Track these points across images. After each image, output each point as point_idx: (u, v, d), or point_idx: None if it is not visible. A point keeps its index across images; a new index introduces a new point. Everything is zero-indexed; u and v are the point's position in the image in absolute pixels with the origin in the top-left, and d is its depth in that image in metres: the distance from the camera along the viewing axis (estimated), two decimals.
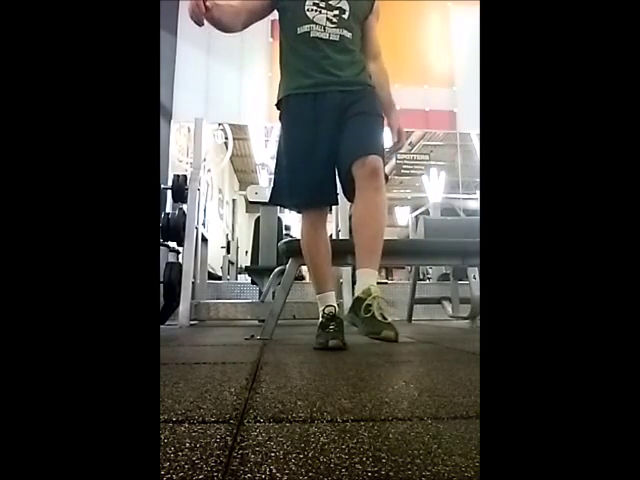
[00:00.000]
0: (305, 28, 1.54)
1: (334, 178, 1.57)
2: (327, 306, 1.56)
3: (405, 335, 2.06)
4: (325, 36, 1.54)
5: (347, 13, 1.56)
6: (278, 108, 1.64)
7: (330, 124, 1.52)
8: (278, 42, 1.67)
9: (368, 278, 1.41)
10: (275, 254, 3.47)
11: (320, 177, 1.54)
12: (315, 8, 1.54)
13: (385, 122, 1.63)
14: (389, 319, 1.35)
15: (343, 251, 1.73)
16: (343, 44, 1.56)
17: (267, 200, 3.81)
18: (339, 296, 3.06)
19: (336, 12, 1.55)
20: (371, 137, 1.51)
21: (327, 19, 1.54)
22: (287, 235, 4.48)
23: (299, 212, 1.68)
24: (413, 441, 0.50)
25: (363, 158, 1.44)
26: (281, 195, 1.62)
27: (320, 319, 1.56)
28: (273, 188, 1.64)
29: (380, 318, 1.33)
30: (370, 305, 1.34)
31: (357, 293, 1.41)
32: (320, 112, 1.52)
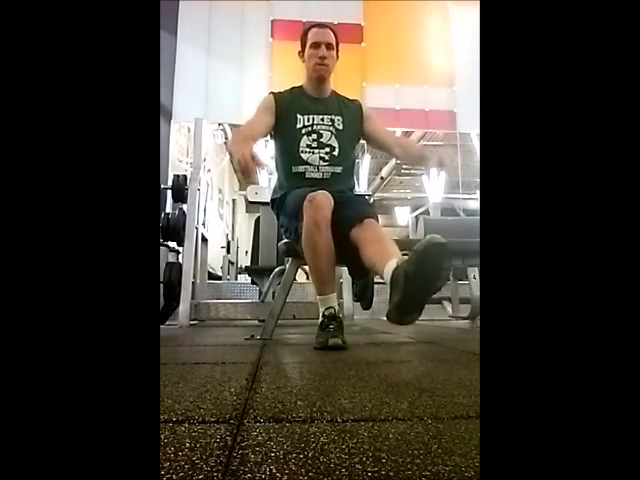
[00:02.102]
0: (300, 169, 1.74)
1: None
2: (328, 308, 1.56)
3: (405, 335, 2.06)
4: (319, 176, 1.74)
5: (337, 151, 1.76)
6: (272, 206, 1.86)
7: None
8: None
9: (396, 260, 1.29)
10: (275, 254, 3.47)
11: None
12: (308, 150, 1.75)
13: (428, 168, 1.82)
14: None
15: (341, 250, 1.72)
16: (334, 179, 1.75)
17: (267, 200, 3.82)
18: (339, 296, 3.05)
19: (327, 150, 1.76)
20: (364, 209, 1.61)
21: (320, 158, 1.75)
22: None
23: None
24: (413, 441, 0.50)
25: (360, 222, 1.52)
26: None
27: (320, 319, 1.56)
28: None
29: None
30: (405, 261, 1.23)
31: (391, 269, 1.26)
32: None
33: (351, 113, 1.83)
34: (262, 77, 4.17)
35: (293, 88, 1.86)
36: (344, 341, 1.46)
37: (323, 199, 1.53)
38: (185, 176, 3.41)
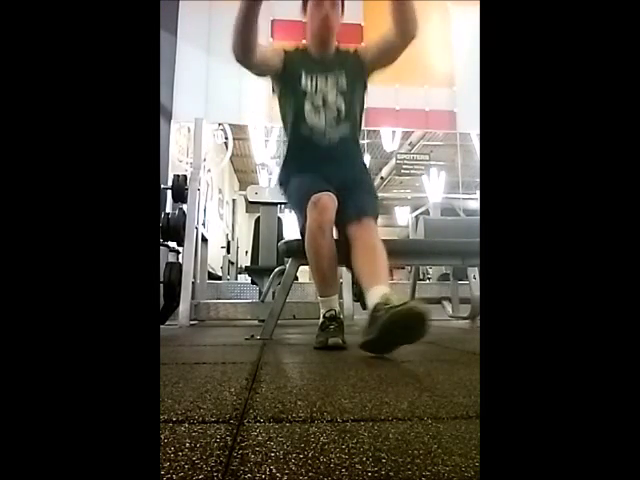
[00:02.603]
0: (306, 132, 1.67)
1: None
2: (329, 310, 1.56)
3: None
4: (325, 142, 1.66)
5: (343, 112, 1.68)
6: (281, 185, 1.80)
7: (331, 183, 1.63)
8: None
9: (381, 290, 1.32)
10: (275, 254, 3.47)
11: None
12: (314, 111, 1.66)
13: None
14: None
15: (343, 251, 1.72)
16: (342, 143, 1.68)
17: (267, 200, 3.83)
18: (339, 296, 3.05)
19: (334, 113, 1.67)
20: (364, 203, 1.60)
21: (326, 121, 1.67)
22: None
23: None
24: (413, 441, 0.50)
25: (357, 220, 1.53)
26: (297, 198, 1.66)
27: (321, 320, 1.56)
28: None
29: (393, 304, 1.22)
30: (387, 301, 1.23)
31: (374, 302, 1.28)
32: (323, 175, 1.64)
33: (352, 66, 1.71)
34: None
35: (297, 47, 1.75)
36: (344, 341, 1.47)
37: (327, 201, 1.52)
38: (185, 176, 3.41)
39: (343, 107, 1.68)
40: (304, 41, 1.79)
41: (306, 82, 1.67)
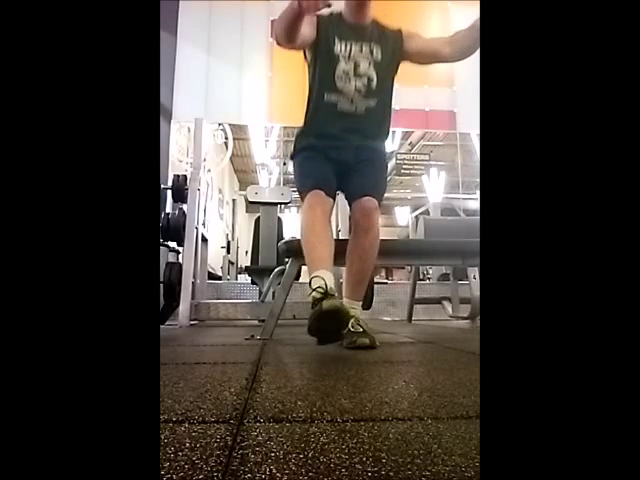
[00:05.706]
0: (332, 98, 1.62)
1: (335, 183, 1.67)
2: (314, 277, 1.37)
3: (405, 335, 2.06)
4: (352, 109, 1.63)
5: (374, 82, 1.64)
6: (292, 158, 1.77)
7: (340, 162, 1.66)
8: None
9: (350, 306, 1.57)
10: (275, 254, 3.47)
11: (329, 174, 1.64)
12: (344, 77, 1.62)
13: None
14: (363, 329, 1.50)
15: (343, 251, 1.72)
16: (368, 115, 1.65)
17: (267, 200, 3.82)
18: (339, 296, 3.05)
19: (364, 81, 1.63)
20: (370, 180, 1.63)
21: (355, 89, 1.62)
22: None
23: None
24: (413, 441, 0.50)
25: (359, 199, 1.58)
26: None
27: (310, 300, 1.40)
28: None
29: (354, 329, 1.49)
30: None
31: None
32: (333, 156, 1.66)
33: (390, 42, 1.68)
34: (262, 77, 4.17)
35: (332, 13, 1.68)
36: (341, 305, 1.37)
37: (322, 201, 1.55)
38: (185, 176, 3.41)
39: (375, 78, 1.63)
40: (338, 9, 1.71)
41: (339, 47, 1.62)
